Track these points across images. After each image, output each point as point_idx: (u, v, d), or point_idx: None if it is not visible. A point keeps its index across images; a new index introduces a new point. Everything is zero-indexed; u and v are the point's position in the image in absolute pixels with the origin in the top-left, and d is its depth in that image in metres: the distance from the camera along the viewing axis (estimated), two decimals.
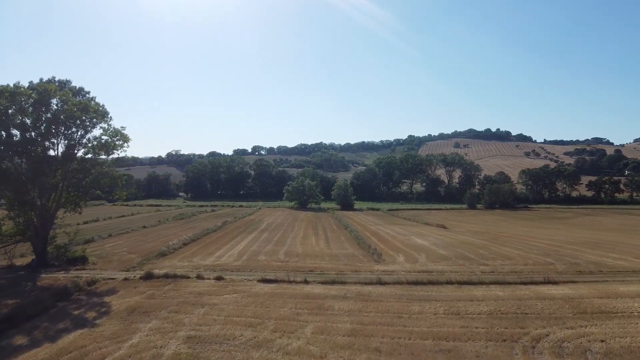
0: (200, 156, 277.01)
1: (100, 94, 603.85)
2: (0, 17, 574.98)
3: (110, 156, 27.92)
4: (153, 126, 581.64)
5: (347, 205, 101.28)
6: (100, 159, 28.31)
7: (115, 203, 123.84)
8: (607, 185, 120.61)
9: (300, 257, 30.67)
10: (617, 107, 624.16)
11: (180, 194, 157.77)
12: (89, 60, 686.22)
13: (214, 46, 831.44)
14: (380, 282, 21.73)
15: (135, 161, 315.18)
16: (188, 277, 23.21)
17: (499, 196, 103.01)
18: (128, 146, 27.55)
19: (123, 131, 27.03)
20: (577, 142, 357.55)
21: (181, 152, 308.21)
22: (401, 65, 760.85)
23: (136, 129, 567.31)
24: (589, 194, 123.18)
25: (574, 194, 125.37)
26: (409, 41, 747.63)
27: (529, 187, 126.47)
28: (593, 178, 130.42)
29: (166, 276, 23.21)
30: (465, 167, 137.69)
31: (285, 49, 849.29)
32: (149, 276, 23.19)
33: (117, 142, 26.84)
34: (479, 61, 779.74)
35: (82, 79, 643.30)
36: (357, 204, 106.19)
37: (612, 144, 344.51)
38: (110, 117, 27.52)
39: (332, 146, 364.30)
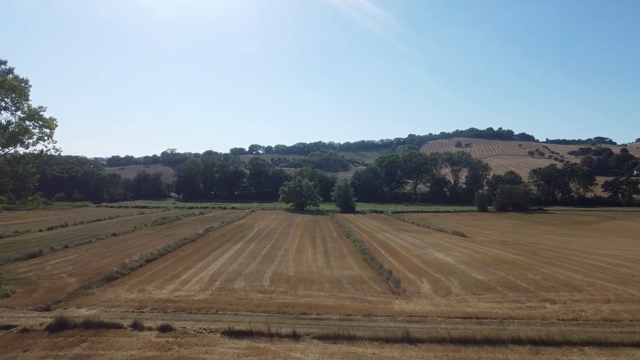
0: (197, 155, 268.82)
1: (97, 93, 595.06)
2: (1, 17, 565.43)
3: (30, 148, 20.18)
4: (149, 125, 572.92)
5: (347, 208, 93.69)
6: (17, 153, 20.56)
7: (100, 204, 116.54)
8: (624, 186, 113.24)
9: (291, 283, 23.04)
10: (618, 107, 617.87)
11: (172, 194, 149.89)
12: (85, 59, 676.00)
13: (212, 45, 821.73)
14: (409, 339, 14.11)
15: (129, 160, 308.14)
16: (119, 327, 15.51)
17: (511, 198, 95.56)
18: (51, 135, 19.77)
19: (42, 113, 19.28)
20: (580, 141, 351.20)
21: (176, 151, 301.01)
22: (401, 64, 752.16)
23: (133, 128, 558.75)
24: (605, 195, 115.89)
25: (588, 195, 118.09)
26: (409, 41, 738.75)
27: (541, 187, 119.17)
28: (606, 179, 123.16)
29: (86, 325, 15.50)
30: (473, 167, 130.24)
31: (284, 48, 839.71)
32: (60, 325, 15.48)
33: (33, 130, 19.09)
34: (480, 61, 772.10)
35: (78, 78, 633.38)
36: (359, 206, 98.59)
37: (615, 143, 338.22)
38: (28, 95, 19.80)
39: (331, 145, 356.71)
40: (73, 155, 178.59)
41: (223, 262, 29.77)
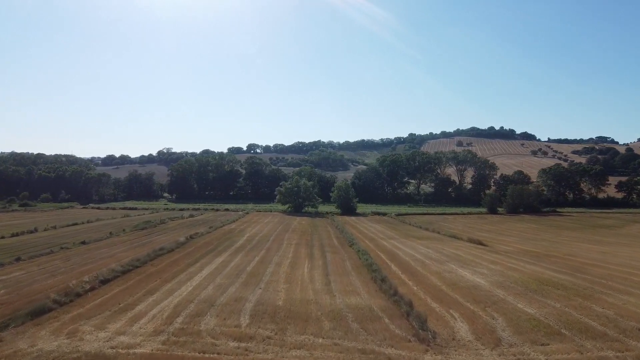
0: (193, 154, 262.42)
1: (96, 93, 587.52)
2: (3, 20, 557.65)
3: None
4: (149, 125, 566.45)
5: (348, 209, 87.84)
6: None
7: (87, 206, 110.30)
8: (639, 186, 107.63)
9: (278, 320, 17.13)
10: (619, 106, 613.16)
11: (165, 195, 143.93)
12: (85, 59, 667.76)
13: (212, 45, 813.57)
14: None
15: (124, 159, 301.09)
16: None
17: (522, 199, 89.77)
18: None
19: None
20: (582, 140, 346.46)
21: (173, 150, 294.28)
22: (401, 64, 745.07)
23: (133, 128, 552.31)
24: (618, 195, 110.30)
25: (601, 195, 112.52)
26: (409, 41, 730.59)
27: (551, 188, 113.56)
28: (615, 178, 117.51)
29: None
30: (479, 166, 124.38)
31: (284, 48, 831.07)
32: None
33: None
34: (480, 61, 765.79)
35: (78, 78, 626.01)
36: (360, 207, 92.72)
37: (617, 142, 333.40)
38: None
39: (330, 144, 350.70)
40: (62, 154, 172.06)
41: (197, 284, 23.86)
